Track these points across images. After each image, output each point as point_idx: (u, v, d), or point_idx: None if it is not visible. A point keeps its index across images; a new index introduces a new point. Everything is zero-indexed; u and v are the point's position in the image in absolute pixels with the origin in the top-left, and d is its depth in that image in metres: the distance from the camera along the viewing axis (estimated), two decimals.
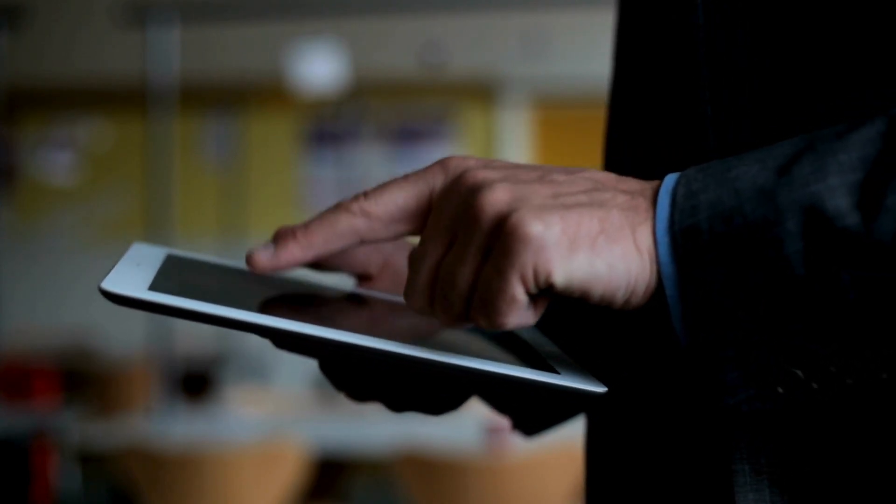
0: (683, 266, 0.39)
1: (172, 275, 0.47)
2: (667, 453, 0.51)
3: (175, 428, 3.27)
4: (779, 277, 0.38)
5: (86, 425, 3.87)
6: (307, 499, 3.25)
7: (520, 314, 0.41)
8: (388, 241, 0.46)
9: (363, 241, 0.45)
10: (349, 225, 0.45)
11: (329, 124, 6.48)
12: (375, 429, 3.13)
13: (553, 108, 6.35)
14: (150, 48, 3.66)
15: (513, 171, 0.42)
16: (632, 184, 0.42)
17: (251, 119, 6.47)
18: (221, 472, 2.65)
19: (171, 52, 3.67)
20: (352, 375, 0.53)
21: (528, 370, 0.43)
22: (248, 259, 0.47)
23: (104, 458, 3.23)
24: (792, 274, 0.38)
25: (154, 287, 0.43)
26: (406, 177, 0.45)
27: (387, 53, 5.74)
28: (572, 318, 0.61)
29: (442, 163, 0.44)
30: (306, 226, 0.46)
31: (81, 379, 4.64)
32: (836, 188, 0.37)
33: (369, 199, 0.45)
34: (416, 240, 0.48)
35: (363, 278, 0.58)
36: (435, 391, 0.55)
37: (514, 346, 0.49)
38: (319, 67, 4.74)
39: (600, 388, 0.43)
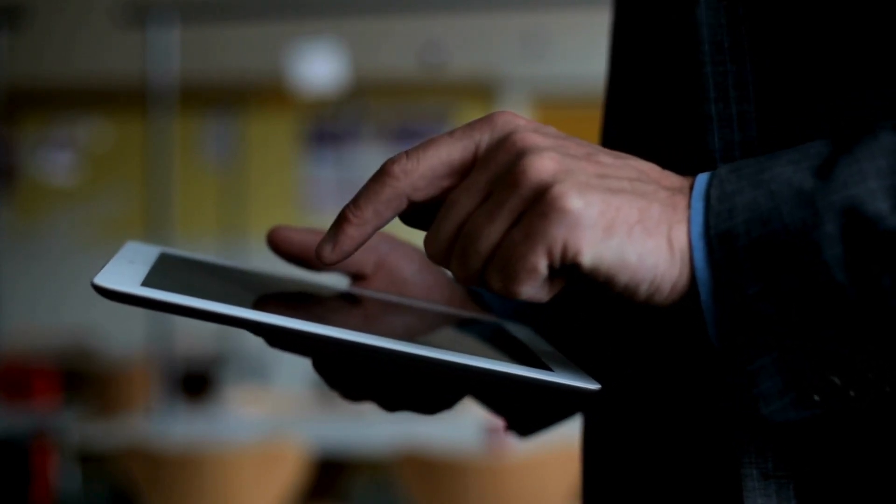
0: (719, 271, 0.39)
1: (166, 272, 0.47)
2: (669, 457, 0.51)
3: (175, 428, 3.27)
4: (817, 282, 0.37)
5: (86, 425, 3.87)
6: (307, 499, 3.25)
7: (535, 286, 0.40)
8: (436, 199, 0.44)
9: (411, 202, 0.44)
10: (393, 190, 0.43)
11: (329, 124, 6.48)
12: (375, 429, 3.13)
13: (553, 108, 6.35)
14: (150, 48, 3.66)
15: (562, 143, 0.41)
16: (673, 179, 0.42)
17: (251, 119, 6.47)
18: (221, 472, 2.65)
19: (171, 52, 3.67)
20: (345, 374, 0.53)
21: (521, 367, 0.43)
22: (317, 255, 0.46)
23: (104, 458, 3.23)
24: (831, 278, 0.37)
25: (147, 283, 0.42)
26: (451, 132, 0.43)
27: (387, 53, 5.74)
28: (580, 313, 0.61)
29: (490, 118, 0.43)
30: (355, 202, 0.44)
31: (81, 379, 4.64)
32: (876, 191, 0.37)
33: (411, 158, 0.43)
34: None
35: (357, 278, 0.58)
36: (428, 390, 0.55)
37: (508, 344, 0.49)
38: (319, 67, 4.74)
39: (593, 386, 0.42)
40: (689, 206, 0.40)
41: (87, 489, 4.41)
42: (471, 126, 0.43)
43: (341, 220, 0.45)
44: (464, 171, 0.43)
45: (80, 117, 6.59)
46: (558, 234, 0.38)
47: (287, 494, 2.77)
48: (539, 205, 0.39)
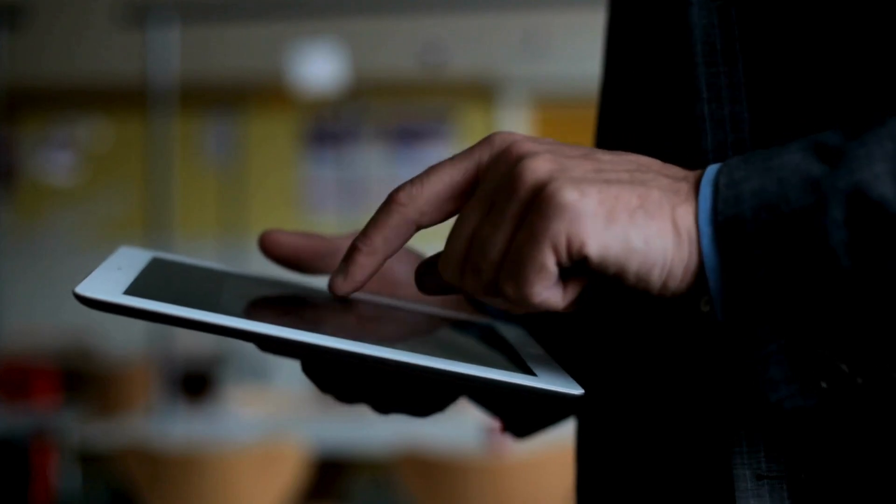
0: (727, 257, 0.39)
1: (153, 278, 0.47)
2: (662, 458, 0.51)
3: (175, 428, 3.27)
4: (824, 267, 0.37)
5: (86, 425, 3.86)
6: (307, 499, 3.24)
7: (548, 287, 0.40)
8: (442, 222, 0.46)
9: (419, 227, 0.45)
10: (401, 216, 0.44)
11: (329, 124, 6.48)
12: (375, 429, 3.13)
13: (553, 108, 6.35)
14: (150, 48, 3.66)
15: (558, 146, 0.42)
16: (675, 170, 0.42)
17: (251, 119, 6.47)
18: (221, 472, 2.65)
19: (171, 52, 3.67)
20: (336, 378, 0.53)
21: (503, 372, 0.43)
22: (330, 289, 0.47)
23: (104, 458, 3.23)
24: (837, 263, 0.37)
25: (130, 291, 0.42)
26: (453, 156, 0.44)
27: (387, 53, 5.74)
28: (578, 320, 0.61)
29: (489, 138, 0.44)
30: (364, 233, 0.45)
31: (81, 379, 4.64)
32: (881, 175, 0.37)
33: (416, 185, 0.44)
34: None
35: None
36: (421, 393, 0.55)
37: (496, 347, 0.49)
38: (319, 67, 4.74)
39: (577, 391, 0.42)
40: (696, 191, 0.40)
41: (87, 489, 4.41)
42: (471, 148, 0.44)
43: (352, 251, 0.46)
44: (469, 193, 0.44)
45: (80, 117, 6.59)
46: (560, 229, 0.39)
47: (287, 494, 2.77)
48: (537, 203, 0.39)
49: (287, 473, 2.75)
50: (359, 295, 0.56)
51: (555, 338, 0.60)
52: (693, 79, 0.47)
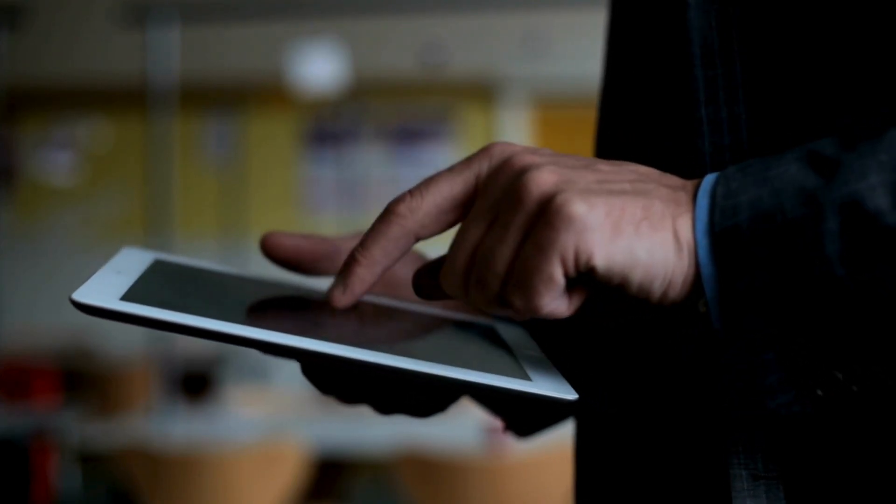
0: (724, 267, 0.39)
1: (153, 283, 0.46)
2: (659, 459, 0.51)
3: (175, 428, 3.27)
4: (819, 278, 0.37)
5: (86, 425, 3.87)
6: (307, 499, 3.25)
7: (555, 298, 0.41)
8: (441, 233, 0.46)
9: (418, 239, 0.45)
10: (400, 228, 0.45)
11: (329, 124, 6.48)
12: (375, 429, 3.13)
13: (553, 108, 6.35)
14: (150, 48, 3.66)
15: (559, 158, 0.42)
16: (673, 179, 0.42)
17: (251, 119, 6.47)
18: (221, 472, 2.65)
19: (171, 52, 3.67)
20: (336, 381, 0.53)
21: (498, 377, 0.43)
22: (329, 300, 0.47)
23: (104, 458, 3.23)
24: (832, 274, 0.37)
25: (128, 297, 0.42)
26: (451, 167, 0.44)
27: (387, 53, 5.74)
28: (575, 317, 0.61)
29: (487, 149, 0.44)
30: (362, 244, 0.46)
31: (81, 379, 4.64)
32: (876, 187, 0.37)
33: (415, 196, 0.44)
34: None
35: None
36: (421, 394, 0.56)
37: (494, 350, 0.49)
38: (319, 67, 4.74)
39: (571, 396, 0.43)
40: (694, 201, 0.40)
41: (87, 489, 4.41)
42: (469, 159, 0.44)
43: (350, 263, 0.46)
44: (467, 204, 0.44)
45: (80, 117, 6.58)
46: (569, 241, 0.39)
47: (287, 494, 2.77)
48: (545, 216, 0.39)
49: (287, 473, 2.75)
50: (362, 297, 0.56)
51: (555, 339, 0.60)
52: (691, 81, 0.47)
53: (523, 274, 0.40)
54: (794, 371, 0.39)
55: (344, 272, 0.47)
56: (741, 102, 0.46)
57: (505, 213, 0.41)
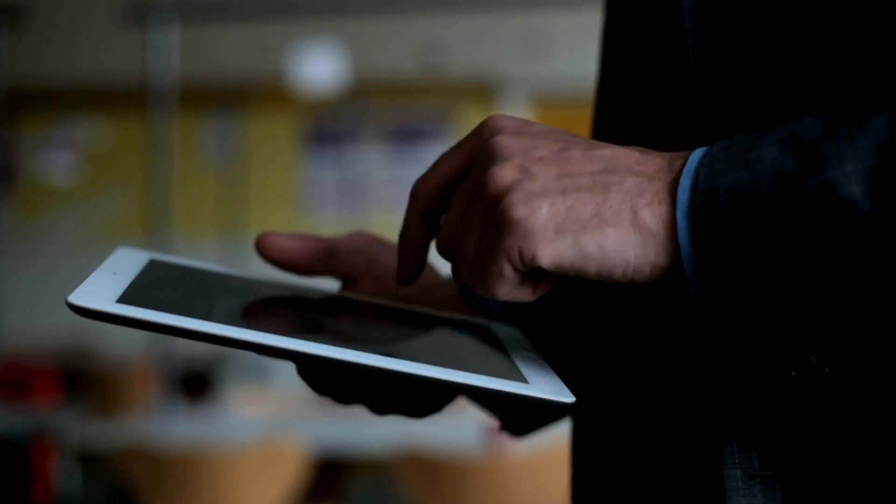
0: (701, 249, 0.39)
1: (148, 284, 0.46)
2: (655, 458, 0.51)
3: (175, 428, 3.27)
4: (795, 264, 0.38)
5: (86, 425, 3.86)
6: (307, 499, 3.25)
7: (510, 289, 0.43)
8: None
9: (437, 215, 0.48)
10: (416, 208, 0.48)
11: (329, 124, 6.48)
12: (375, 429, 3.13)
13: (553, 108, 6.35)
14: (150, 48, 3.66)
15: (534, 143, 0.43)
16: (651, 164, 0.42)
17: (251, 119, 6.47)
18: (221, 472, 2.65)
19: (171, 52, 3.67)
20: (331, 382, 0.54)
21: (494, 380, 0.43)
22: (398, 283, 0.52)
23: (104, 458, 3.23)
24: (808, 260, 0.37)
25: (124, 299, 0.41)
26: (456, 144, 0.47)
27: (387, 53, 5.74)
28: (569, 314, 0.61)
29: (482, 123, 0.46)
30: (401, 229, 0.50)
31: (81, 379, 4.63)
32: (850, 174, 0.37)
33: (424, 177, 0.48)
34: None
35: (349, 280, 0.59)
36: (416, 395, 0.56)
37: (490, 351, 0.49)
38: (319, 67, 4.74)
39: (568, 399, 0.43)
40: (670, 187, 0.41)
41: (87, 489, 4.41)
42: (469, 135, 0.46)
43: (398, 247, 0.51)
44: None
45: (80, 117, 6.59)
46: (512, 244, 0.41)
47: (287, 494, 2.77)
48: (495, 217, 0.42)
49: (287, 473, 2.75)
50: (356, 296, 0.56)
51: (550, 337, 0.60)
52: (686, 84, 0.48)
53: (479, 267, 0.43)
54: (766, 353, 0.39)
55: (398, 256, 0.51)
56: (736, 105, 0.46)
57: (473, 203, 0.44)
